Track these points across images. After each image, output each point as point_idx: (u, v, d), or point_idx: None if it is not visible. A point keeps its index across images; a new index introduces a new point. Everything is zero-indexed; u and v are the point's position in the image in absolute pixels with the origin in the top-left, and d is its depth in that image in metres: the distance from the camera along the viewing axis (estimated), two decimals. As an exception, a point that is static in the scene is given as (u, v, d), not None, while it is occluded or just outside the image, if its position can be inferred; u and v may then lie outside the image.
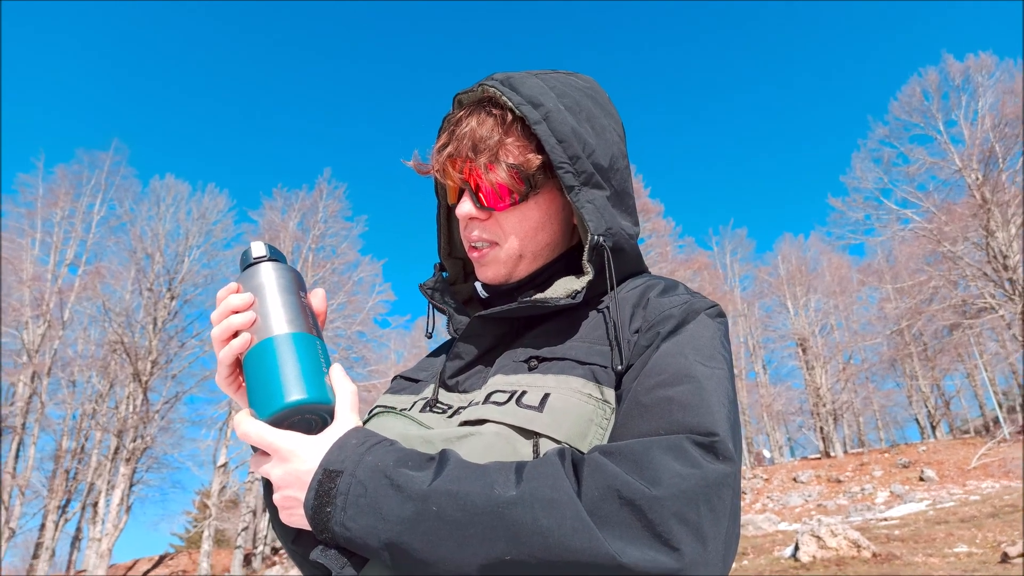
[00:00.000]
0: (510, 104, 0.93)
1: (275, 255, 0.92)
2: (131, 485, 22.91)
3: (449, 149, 0.96)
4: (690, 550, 0.64)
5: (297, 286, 0.90)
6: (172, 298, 25.48)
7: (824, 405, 32.04)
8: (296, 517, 0.78)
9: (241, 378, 0.89)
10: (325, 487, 0.73)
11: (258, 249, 0.91)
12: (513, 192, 0.95)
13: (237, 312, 0.84)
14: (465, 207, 0.97)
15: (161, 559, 31.99)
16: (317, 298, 0.93)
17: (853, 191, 28.86)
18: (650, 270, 1.08)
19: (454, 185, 1.00)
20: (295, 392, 0.79)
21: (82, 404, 25.56)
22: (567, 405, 0.80)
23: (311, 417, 0.82)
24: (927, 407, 33.52)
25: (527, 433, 0.78)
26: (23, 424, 24.60)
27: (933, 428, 33.04)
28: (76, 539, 28.33)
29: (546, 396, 0.81)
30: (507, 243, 0.98)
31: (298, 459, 0.77)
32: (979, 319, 25.60)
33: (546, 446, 0.77)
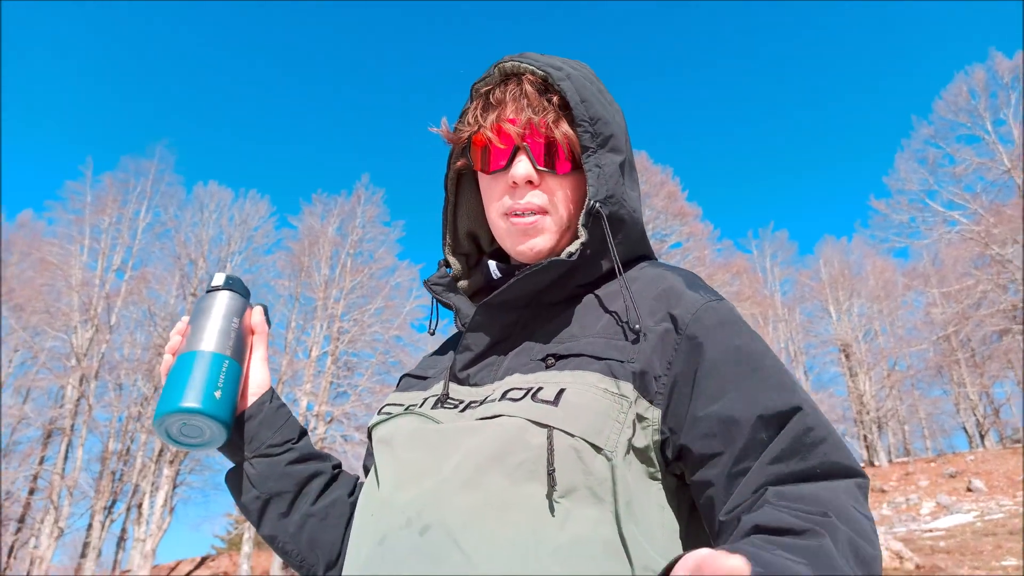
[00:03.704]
0: (533, 67, 0.92)
1: (229, 285, 1.11)
2: (174, 487, 23.42)
3: (509, 109, 0.93)
4: None
5: (234, 313, 1.07)
6: (214, 303, 25.96)
7: (868, 413, 31.32)
8: None
9: None
10: None
11: (216, 280, 1.11)
12: (572, 155, 0.93)
13: (179, 334, 1.06)
14: (522, 168, 0.91)
15: (203, 560, 32.60)
16: (256, 316, 1.11)
17: (897, 193, 28.24)
18: None
19: (501, 148, 0.93)
20: (189, 400, 0.95)
21: (128, 407, 26.14)
22: (583, 400, 0.80)
23: (199, 425, 0.96)
24: (975, 415, 32.53)
25: (541, 425, 0.77)
26: (72, 426, 25.34)
27: (982, 437, 32.05)
28: (121, 539, 28.92)
29: (561, 391, 0.81)
30: (557, 212, 0.95)
31: None
32: (1030, 324, 24.79)
33: (560, 439, 0.76)
